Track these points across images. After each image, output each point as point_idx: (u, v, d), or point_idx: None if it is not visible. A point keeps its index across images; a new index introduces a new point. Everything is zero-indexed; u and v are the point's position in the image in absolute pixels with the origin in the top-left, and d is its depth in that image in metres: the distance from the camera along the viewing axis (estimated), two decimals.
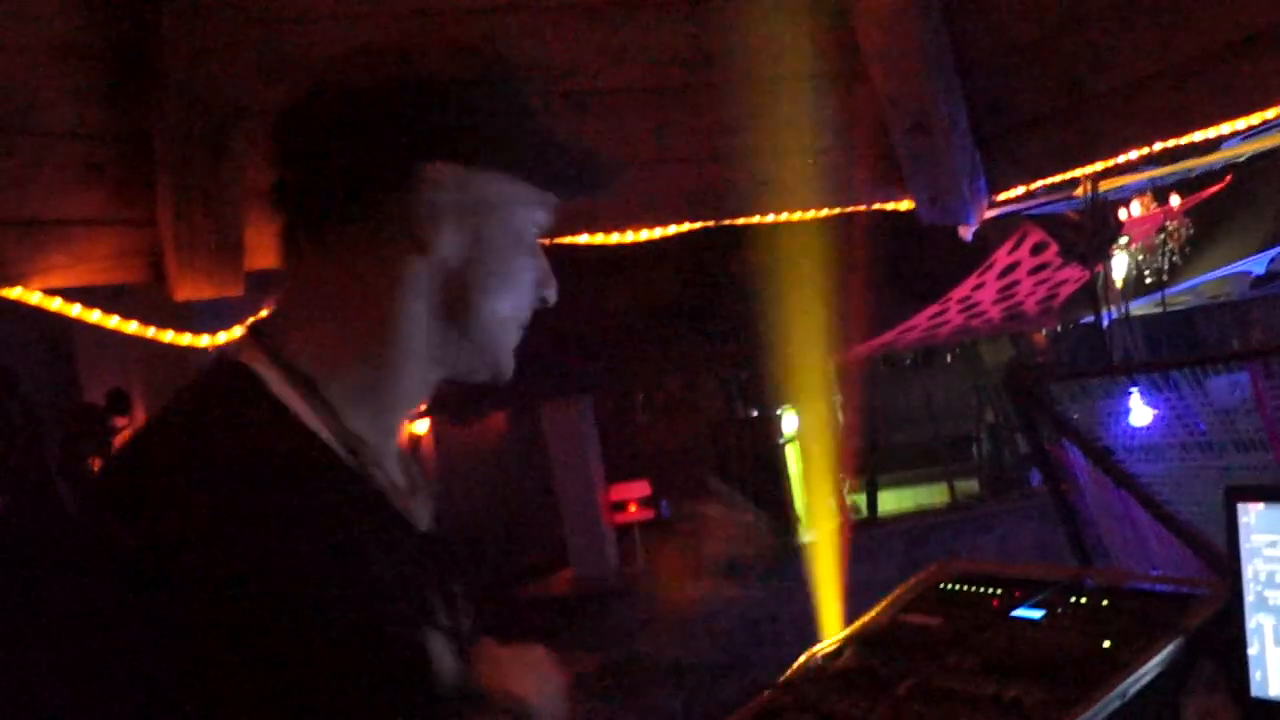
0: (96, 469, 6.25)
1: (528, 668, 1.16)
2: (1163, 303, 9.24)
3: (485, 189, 1.04)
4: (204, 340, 2.70)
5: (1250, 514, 1.74)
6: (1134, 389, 2.66)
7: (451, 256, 1.03)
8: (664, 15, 3.02)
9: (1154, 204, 8.73)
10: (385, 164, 1.01)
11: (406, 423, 1.14)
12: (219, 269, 2.69)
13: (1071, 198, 3.25)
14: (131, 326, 2.78)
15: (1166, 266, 9.31)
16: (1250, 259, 9.90)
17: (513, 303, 1.08)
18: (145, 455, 0.96)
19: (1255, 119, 2.53)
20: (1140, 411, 2.87)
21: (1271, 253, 9.56)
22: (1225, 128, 2.63)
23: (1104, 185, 3.26)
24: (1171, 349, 11.32)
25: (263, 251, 2.74)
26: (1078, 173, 3.00)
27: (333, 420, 1.00)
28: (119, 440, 7.29)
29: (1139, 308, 9.76)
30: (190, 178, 2.65)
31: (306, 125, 1.04)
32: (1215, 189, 8.87)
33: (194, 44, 2.59)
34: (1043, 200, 3.42)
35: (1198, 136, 2.69)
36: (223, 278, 2.71)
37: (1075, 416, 2.26)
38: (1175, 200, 8.85)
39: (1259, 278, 10.37)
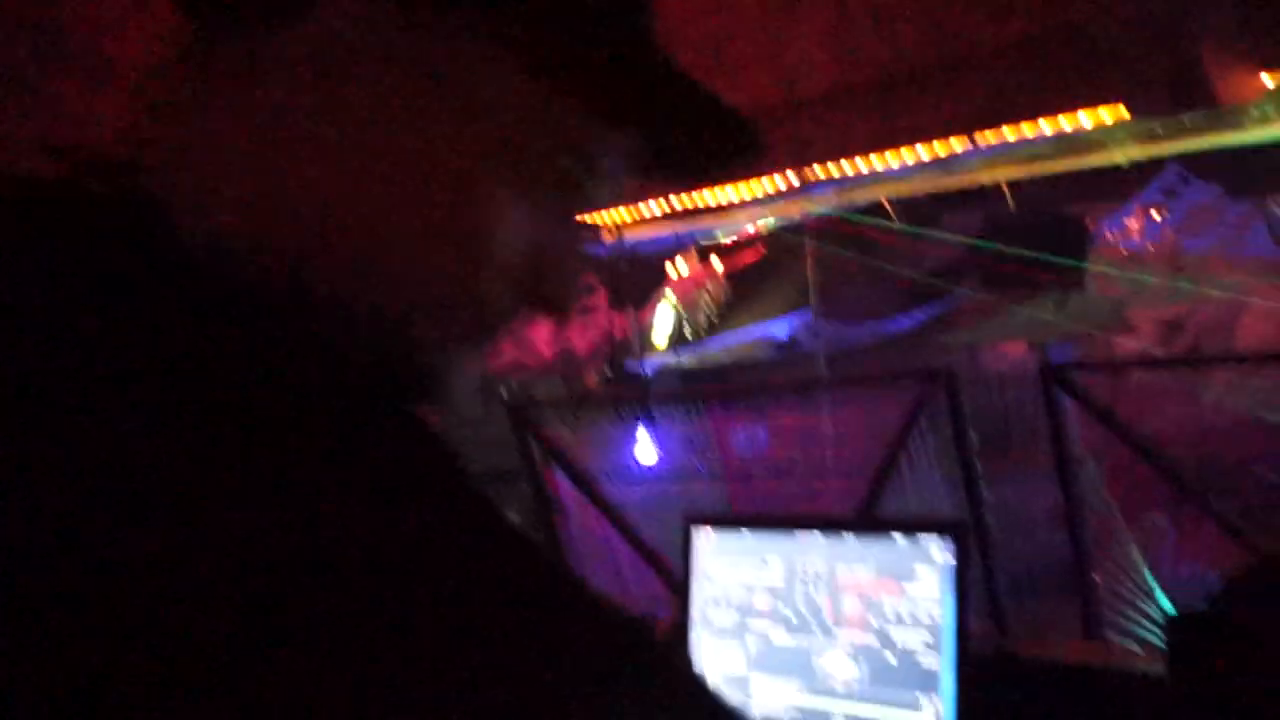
0: None
1: None
2: (695, 358, 9.96)
3: None
4: None
5: (702, 538, 1.88)
6: (641, 425, 2.82)
7: None
8: None
9: (699, 263, 9.41)
10: None
11: None
12: None
13: (602, 242, 3.43)
14: None
15: (705, 324, 10.04)
16: (774, 323, 10.90)
17: None
18: None
19: (760, 190, 2.79)
20: (645, 445, 3.06)
21: (792, 320, 10.57)
22: (744, 190, 2.88)
23: (634, 234, 3.46)
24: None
25: None
26: (594, 217, 3.16)
27: None
28: None
29: (680, 358, 10.43)
30: None
31: None
32: (750, 255, 9.72)
33: None
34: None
35: (709, 199, 2.93)
36: None
37: (569, 444, 2.36)
38: (716, 262, 9.60)
39: (782, 343, 11.42)
